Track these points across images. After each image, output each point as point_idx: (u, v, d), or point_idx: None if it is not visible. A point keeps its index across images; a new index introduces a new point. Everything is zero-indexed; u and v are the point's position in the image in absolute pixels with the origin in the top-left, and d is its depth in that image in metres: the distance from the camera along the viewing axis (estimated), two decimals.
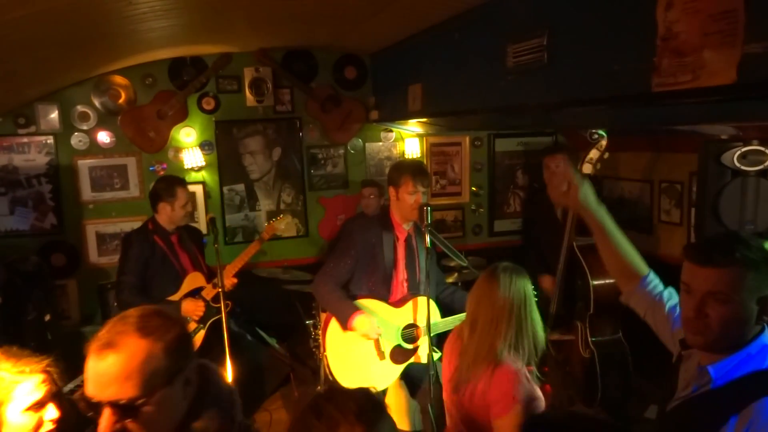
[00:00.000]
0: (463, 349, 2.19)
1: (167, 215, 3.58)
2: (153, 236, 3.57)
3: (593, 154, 3.47)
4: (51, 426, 1.63)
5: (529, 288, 2.13)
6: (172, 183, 3.59)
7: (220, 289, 3.28)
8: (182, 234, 3.70)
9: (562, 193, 2.02)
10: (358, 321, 3.00)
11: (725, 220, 3.32)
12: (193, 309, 3.53)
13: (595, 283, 3.60)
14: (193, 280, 3.64)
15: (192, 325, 3.57)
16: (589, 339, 3.70)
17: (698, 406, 1.53)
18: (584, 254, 3.66)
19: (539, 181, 5.59)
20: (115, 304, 3.66)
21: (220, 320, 3.53)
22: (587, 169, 3.53)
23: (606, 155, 3.52)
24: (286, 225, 4.02)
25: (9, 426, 1.58)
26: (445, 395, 2.33)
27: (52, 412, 1.64)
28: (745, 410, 1.40)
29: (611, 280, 3.52)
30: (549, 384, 4.55)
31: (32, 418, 1.61)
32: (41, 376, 1.63)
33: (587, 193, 1.97)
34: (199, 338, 3.58)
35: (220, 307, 3.49)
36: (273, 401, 4.49)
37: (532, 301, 2.13)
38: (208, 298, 3.60)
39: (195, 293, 3.61)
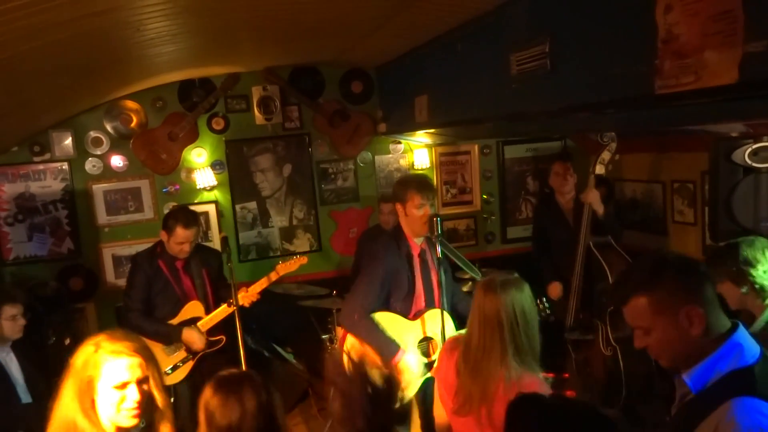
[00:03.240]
0: (463, 367, 2.12)
1: (165, 243, 3.60)
2: (158, 260, 3.60)
3: (605, 155, 3.61)
4: (132, 405, 1.76)
5: (526, 299, 2.07)
6: (177, 219, 3.53)
7: (233, 308, 3.29)
8: (190, 259, 3.66)
9: None
10: (404, 363, 3.01)
11: (739, 218, 3.28)
12: (192, 340, 3.52)
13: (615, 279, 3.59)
14: (192, 309, 3.62)
15: (182, 354, 3.57)
16: (611, 336, 3.68)
17: (683, 414, 1.53)
18: (601, 252, 3.68)
19: (549, 186, 5.62)
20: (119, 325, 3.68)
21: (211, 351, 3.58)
22: (600, 169, 3.65)
23: (617, 156, 3.61)
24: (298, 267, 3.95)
25: (99, 398, 1.75)
26: (447, 414, 2.23)
27: (133, 393, 1.76)
28: (713, 413, 1.40)
29: None
30: (571, 390, 4.53)
31: (116, 395, 1.75)
32: (131, 360, 1.76)
33: None
34: (186, 368, 3.58)
35: (213, 341, 3.57)
36: (292, 417, 4.50)
37: (529, 312, 2.06)
38: (204, 330, 3.57)
39: (191, 323, 3.59)
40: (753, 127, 3.20)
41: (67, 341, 4.18)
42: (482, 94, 3.20)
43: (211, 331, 3.59)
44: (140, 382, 1.78)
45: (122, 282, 4.68)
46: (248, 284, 3.74)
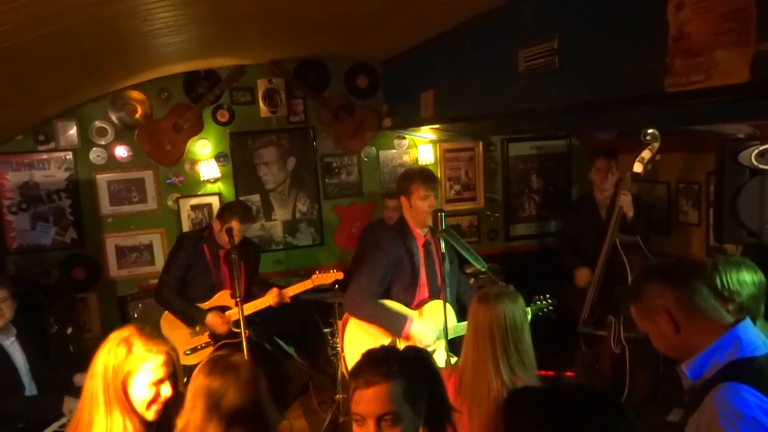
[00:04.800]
0: (462, 384, 2.18)
1: (216, 232, 3.67)
2: (203, 244, 3.69)
3: (645, 154, 3.53)
4: (161, 401, 1.83)
5: (518, 310, 2.12)
6: (234, 213, 3.61)
7: (240, 305, 3.30)
8: (232, 250, 3.70)
9: None
10: (414, 330, 3.05)
11: (744, 220, 3.27)
12: (216, 324, 3.58)
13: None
14: (224, 297, 3.69)
15: (204, 339, 3.63)
16: (622, 335, 3.68)
17: (688, 403, 1.63)
18: (626, 251, 3.68)
19: (554, 184, 5.60)
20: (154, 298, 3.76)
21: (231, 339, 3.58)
22: (638, 168, 3.58)
23: (658, 156, 3.56)
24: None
25: (131, 394, 1.79)
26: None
27: (166, 390, 1.83)
28: (703, 400, 1.51)
29: None
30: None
31: (151, 392, 1.81)
32: (164, 357, 1.83)
33: None
34: (205, 353, 3.61)
35: (235, 333, 3.55)
36: (292, 410, 4.50)
37: (520, 323, 2.12)
38: (231, 320, 3.63)
39: (220, 311, 3.67)
40: (760, 128, 3.19)
41: (69, 330, 4.20)
42: (489, 90, 3.18)
43: (236, 325, 3.59)
44: (171, 378, 1.85)
45: (125, 272, 4.72)
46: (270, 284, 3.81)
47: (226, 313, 3.66)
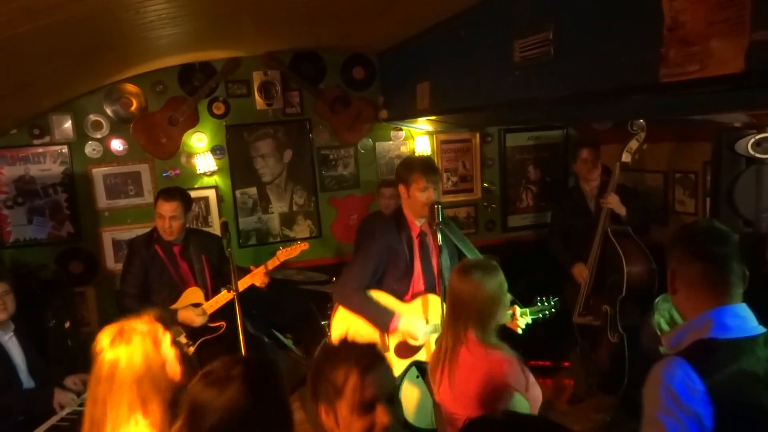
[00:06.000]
0: (439, 341, 2.41)
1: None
2: (155, 245, 3.58)
3: (632, 144, 3.60)
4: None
5: (488, 285, 2.23)
6: (160, 193, 3.54)
7: (233, 293, 3.21)
8: (188, 244, 3.64)
9: None
10: (402, 326, 3.02)
11: (741, 209, 3.28)
12: (190, 317, 3.47)
13: (629, 267, 3.62)
14: (192, 295, 3.59)
15: (182, 341, 3.51)
16: (619, 323, 3.70)
17: None
18: (619, 240, 3.70)
19: (551, 175, 5.60)
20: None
21: (210, 338, 3.56)
22: (626, 158, 3.64)
23: (645, 146, 3.60)
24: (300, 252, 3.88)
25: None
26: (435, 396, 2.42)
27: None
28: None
29: (645, 265, 3.62)
30: (569, 378, 4.56)
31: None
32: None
33: None
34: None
35: (213, 327, 3.53)
36: (290, 402, 4.50)
37: (489, 297, 2.24)
38: (208, 311, 3.55)
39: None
40: (756, 117, 3.19)
41: (67, 324, 4.20)
42: (485, 81, 3.17)
43: (212, 318, 3.56)
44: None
45: (122, 266, 4.71)
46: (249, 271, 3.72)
47: (201, 306, 3.54)
